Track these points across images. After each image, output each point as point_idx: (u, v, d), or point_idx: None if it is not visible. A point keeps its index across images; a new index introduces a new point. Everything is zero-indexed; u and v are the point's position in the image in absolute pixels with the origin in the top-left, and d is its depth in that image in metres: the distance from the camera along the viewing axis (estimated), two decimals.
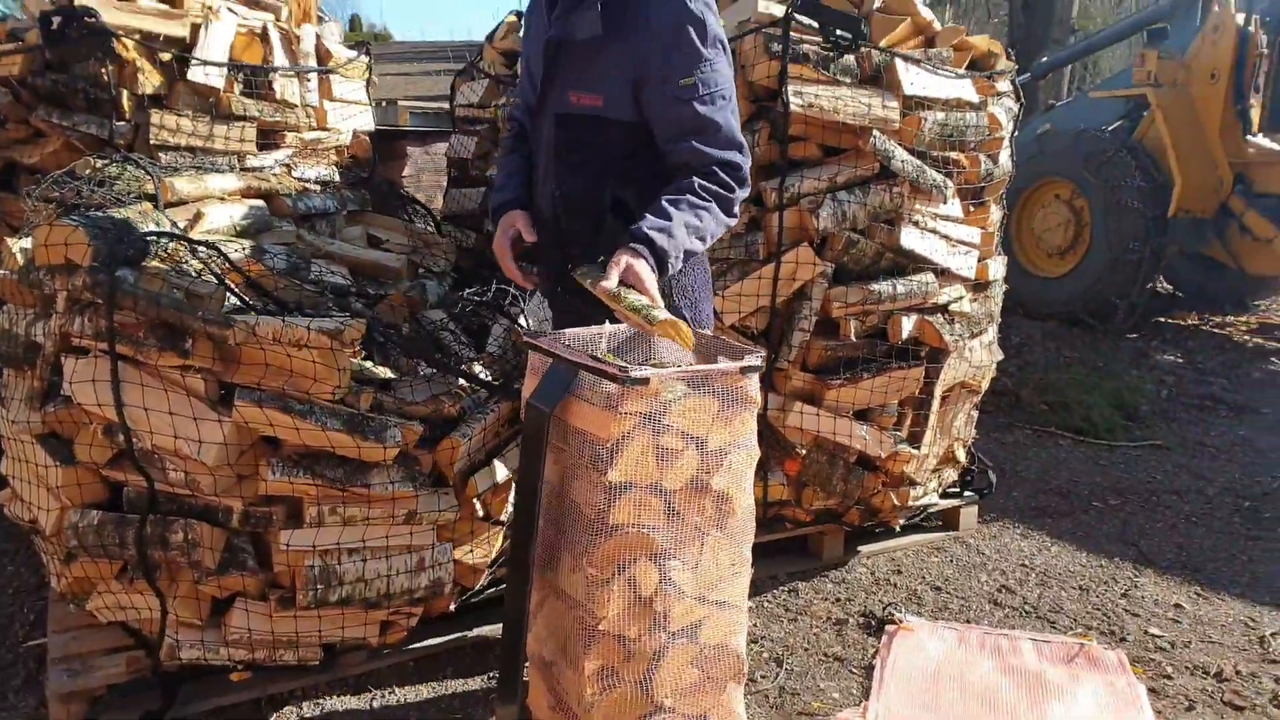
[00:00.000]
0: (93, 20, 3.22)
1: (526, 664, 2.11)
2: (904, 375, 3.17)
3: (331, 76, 3.85)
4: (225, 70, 3.45)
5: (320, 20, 4.16)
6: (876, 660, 2.85)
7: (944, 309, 3.31)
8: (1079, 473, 4.57)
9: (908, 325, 3.17)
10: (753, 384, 1.94)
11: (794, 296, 3.08)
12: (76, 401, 2.19)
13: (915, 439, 3.29)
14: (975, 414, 3.75)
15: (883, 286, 3.11)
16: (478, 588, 2.70)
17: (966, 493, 3.81)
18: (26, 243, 2.42)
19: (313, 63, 3.82)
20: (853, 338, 3.14)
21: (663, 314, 1.89)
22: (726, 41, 2.12)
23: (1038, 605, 3.25)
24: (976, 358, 3.44)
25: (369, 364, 2.49)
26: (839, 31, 3.01)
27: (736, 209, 2.15)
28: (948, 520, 3.77)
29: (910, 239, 3.14)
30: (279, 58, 3.64)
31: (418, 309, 2.90)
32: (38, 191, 2.63)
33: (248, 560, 2.32)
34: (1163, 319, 7.64)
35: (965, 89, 3.29)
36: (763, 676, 2.77)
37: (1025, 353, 6.53)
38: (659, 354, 2.16)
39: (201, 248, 2.39)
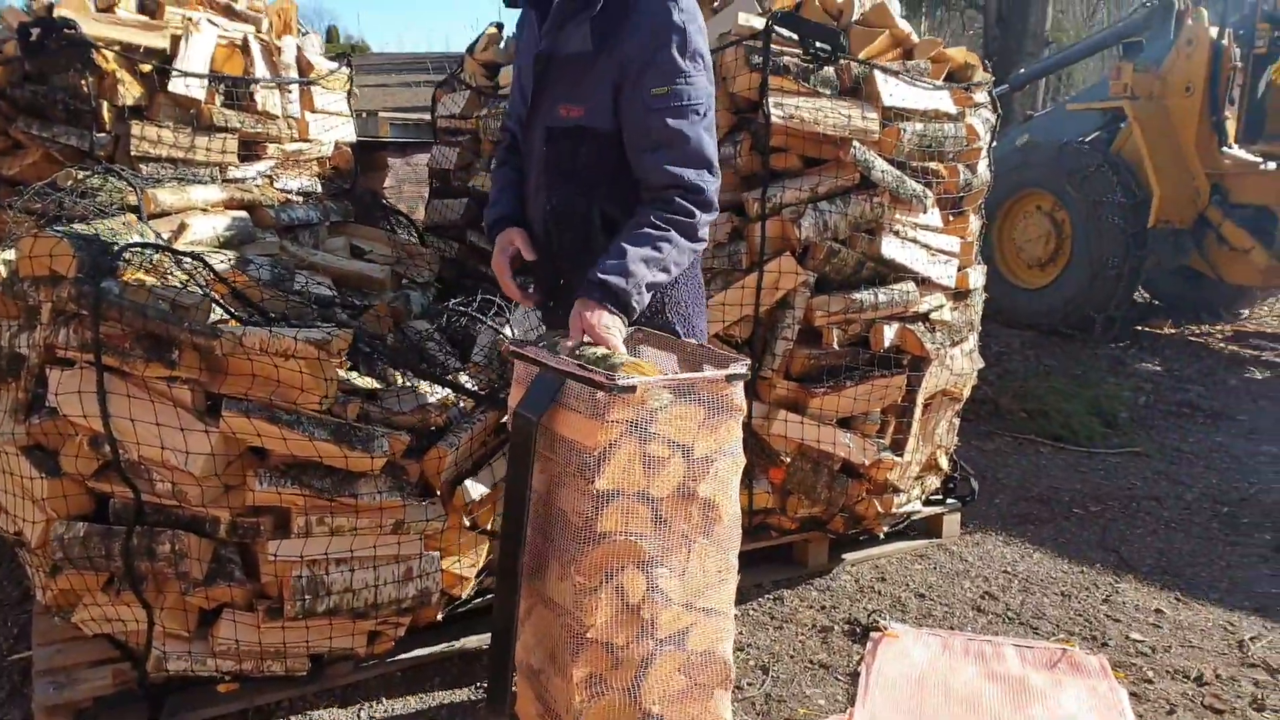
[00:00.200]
0: (72, 32, 3.21)
1: (515, 673, 2.11)
2: (886, 383, 3.20)
3: (313, 88, 3.86)
4: (206, 82, 3.45)
5: (301, 32, 4.15)
6: (862, 667, 2.87)
7: (925, 317, 3.34)
8: (1059, 479, 4.62)
9: (889, 334, 3.20)
10: (738, 392, 1.96)
11: (777, 305, 3.11)
12: (62, 413, 2.19)
13: (898, 447, 3.33)
14: (957, 422, 3.79)
15: (864, 295, 3.15)
16: (465, 597, 2.70)
17: (949, 500, 3.85)
18: (10, 254, 2.41)
19: (294, 74, 3.82)
20: (835, 346, 3.17)
21: (621, 358, 1.91)
22: (709, 56, 2.11)
23: (1020, 611, 3.28)
24: (958, 366, 3.48)
25: (355, 374, 2.49)
26: (818, 44, 3.04)
27: (702, 233, 2.11)
28: (931, 527, 3.81)
29: (891, 248, 3.18)
30: (260, 69, 3.64)
31: (402, 319, 2.91)
32: (19, 203, 2.62)
33: (235, 571, 2.32)
34: (1141, 327, 7.73)
35: (943, 100, 3.34)
36: (749, 684, 2.78)
37: (1005, 361, 6.61)
38: (651, 363, 2.17)
39: (186, 259, 2.39)
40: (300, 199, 3.55)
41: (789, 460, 3.18)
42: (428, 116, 4.78)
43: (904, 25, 3.39)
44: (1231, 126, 7.18)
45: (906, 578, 3.49)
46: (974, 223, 3.60)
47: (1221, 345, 7.47)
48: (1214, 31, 7.11)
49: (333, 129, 3.97)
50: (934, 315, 3.36)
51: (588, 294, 2.00)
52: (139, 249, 2.33)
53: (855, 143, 3.06)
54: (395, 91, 11.68)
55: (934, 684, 2.79)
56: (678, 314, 2.26)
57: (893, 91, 3.15)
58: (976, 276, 3.62)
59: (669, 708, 2.01)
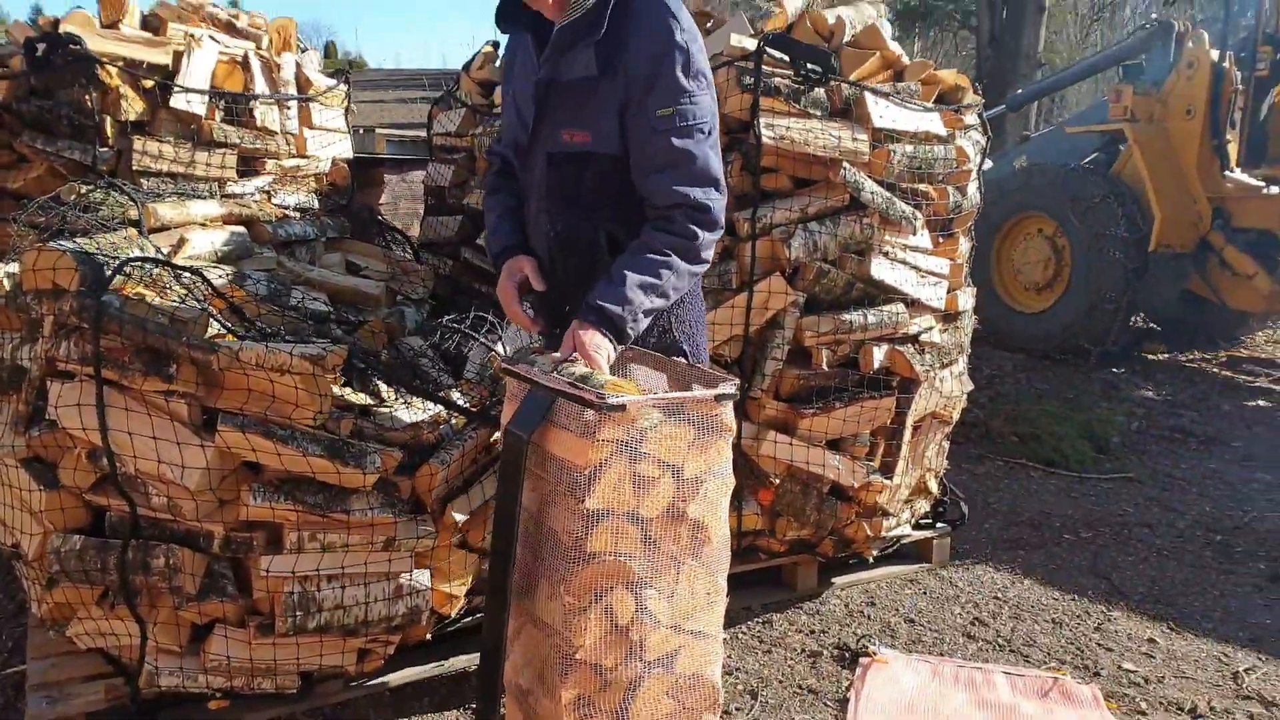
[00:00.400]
0: (77, 47, 3.25)
1: (503, 693, 2.12)
2: (876, 405, 3.22)
3: (311, 104, 3.90)
4: (206, 97, 3.49)
5: (300, 49, 4.20)
6: (851, 693, 2.87)
7: (914, 339, 3.37)
8: (1050, 505, 4.62)
9: (879, 355, 3.23)
10: (728, 412, 1.98)
11: (766, 325, 3.13)
12: (61, 426, 2.21)
13: (888, 469, 3.34)
14: (947, 445, 3.80)
15: (854, 316, 3.18)
16: (454, 616, 2.71)
17: (939, 524, 3.85)
18: (14, 267, 2.44)
19: (293, 90, 3.86)
20: (825, 367, 3.19)
21: (603, 377, 1.92)
22: (711, 75, 2.12)
23: (1011, 638, 3.27)
24: (947, 388, 3.51)
25: (349, 390, 2.52)
26: (810, 66, 3.08)
27: (705, 254, 2.11)
28: (921, 552, 3.80)
29: (880, 269, 3.21)
30: (259, 85, 3.68)
31: (396, 335, 2.93)
32: (24, 217, 2.65)
33: (228, 586, 2.33)
34: (1136, 353, 7.70)
35: (933, 122, 3.38)
36: (737, 709, 2.78)
37: (996, 384, 6.61)
38: (634, 381, 2.19)
39: (185, 273, 2.41)
40: (297, 215, 3.59)
41: (778, 482, 3.19)
42: (424, 133, 4.82)
43: (895, 47, 3.43)
44: (1233, 150, 7.14)
45: (896, 602, 3.49)
46: (964, 245, 3.64)
47: (1216, 370, 7.45)
48: (1215, 54, 7.09)
49: (330, 145, 4.00)
50: (924, 337, 3.39)
51: (584, 316, 2.01)
52: (139, 263, 2.35)
53: (845, 164, 3.09)
54: (392, 107, 11.75)
55: (923, 711, 2.79)
56: (683, 332, 2.28)
57: (883, 113, 3.19)
58: (966, 299, 3.65)
59: None
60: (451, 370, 2.88)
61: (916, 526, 3.78)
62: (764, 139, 2.99)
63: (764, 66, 3.02)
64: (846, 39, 3.35)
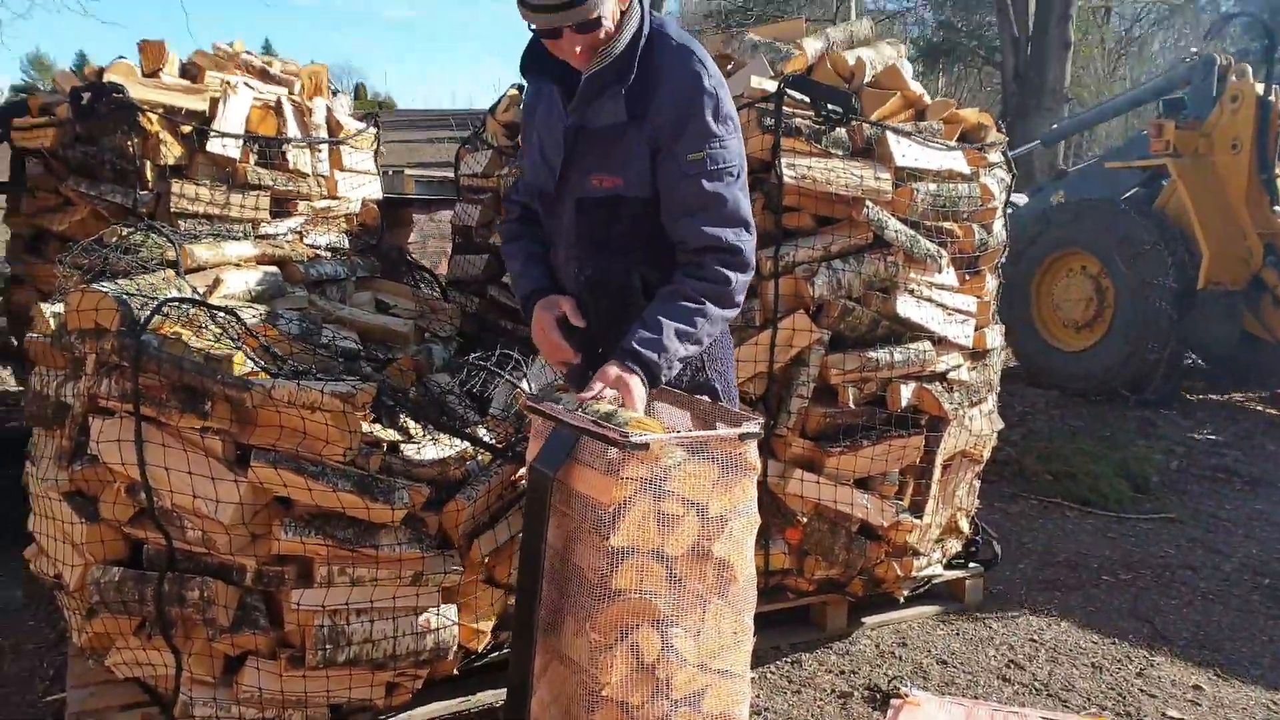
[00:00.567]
0: (120, 96, 3.37)
1: None
2: (904, 443, 3.21)
3: (342, 147, 4.00)
4: (241, 142, 3.59)
5: (332, 93, 4.31)
6: None
7: (942, 377, 3.36)
8: (1087, 545, 4.52)
9: (906, 393, 3.22)
10: (752, 450, 1.98)
11: (791, 363, 3.13)
12: (102, 461, 2.27)
13: (917, 508, 3.31)
14: (977, 483, 3.76)
15: (880, 354, 3.17)
16: (481, 651, 2.72)
17: (971, 564, 3.80)
18: (59, 308, 2.52)
19: (324, 134, 3.96)
20: (852, 405, 3.18)
21: (627, 415, 1.93)
22: (738, 119, 2.17)
23: (1048, 682, 3.20)
24: (977, 426, 3.48)
25: (378, 426, 2.56)
26: (830, 106, 3.12)
27: (738, 298, 2.14)
28: (953, 592, 3.75)
29: (906, 307, 3.21)
30: (292, 129, 3.78)
31: (424, 373, 2.98)
32: (69, 258, 2.74)
33: (260, 619, 2.37)
34: (1182, 394, 7.47)
35: (956, 160, 3.40)
36: None
37: (1029, 421, 6.51)
38: (659, 419, 2.21)
39: (220, 313, 2.48)
40: (329, 254, 3.67)
41: (805, 520, 3.17)
42: (451, 173, 4.91)
43: (916, 87, 3.46)
44: None
45: (928, 643, 3.44)
46: (990, 282, 3.63)
47: (1260, 409, 7.27)
48: (1259, 88, 6.99)
49: (360, 187, 4.10)
50: (951, 375, 3.37)
51: (620, 359, 2.03)
52: (177, 304, 2.42)
53: (868, 202, 3.11)
54: (420, 147, 11.94)
55: None
56: (716, 371, 2.29)
57: (905, 152, 3.22)
58: (994, 336, 3.63)
59: None
60: (478, 407, 2.92)
61: (948, 566, 3.73)
62: (785, 178, 3.01)
63: (785, 108, 3.05)
64: (867, 79, 3.39)
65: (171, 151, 3.48)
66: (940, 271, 3.33)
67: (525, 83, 2.32)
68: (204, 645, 2.36)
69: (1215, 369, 7.88)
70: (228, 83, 3.70)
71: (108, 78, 3.47)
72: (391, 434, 2.55)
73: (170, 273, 2.73)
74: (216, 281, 2.90)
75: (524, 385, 2.98)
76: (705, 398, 2.23)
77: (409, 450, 2.52)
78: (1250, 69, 7.25)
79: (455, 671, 2.66)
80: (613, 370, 2.02)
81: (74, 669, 2.57)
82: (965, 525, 3.71)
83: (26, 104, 3.85)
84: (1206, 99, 7.29)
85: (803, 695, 3.06)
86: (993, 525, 4.18)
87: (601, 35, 2.01)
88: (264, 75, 4.03)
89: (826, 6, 18.90)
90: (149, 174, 3.46)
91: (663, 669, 1.93)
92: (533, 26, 2.02)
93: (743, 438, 1.96)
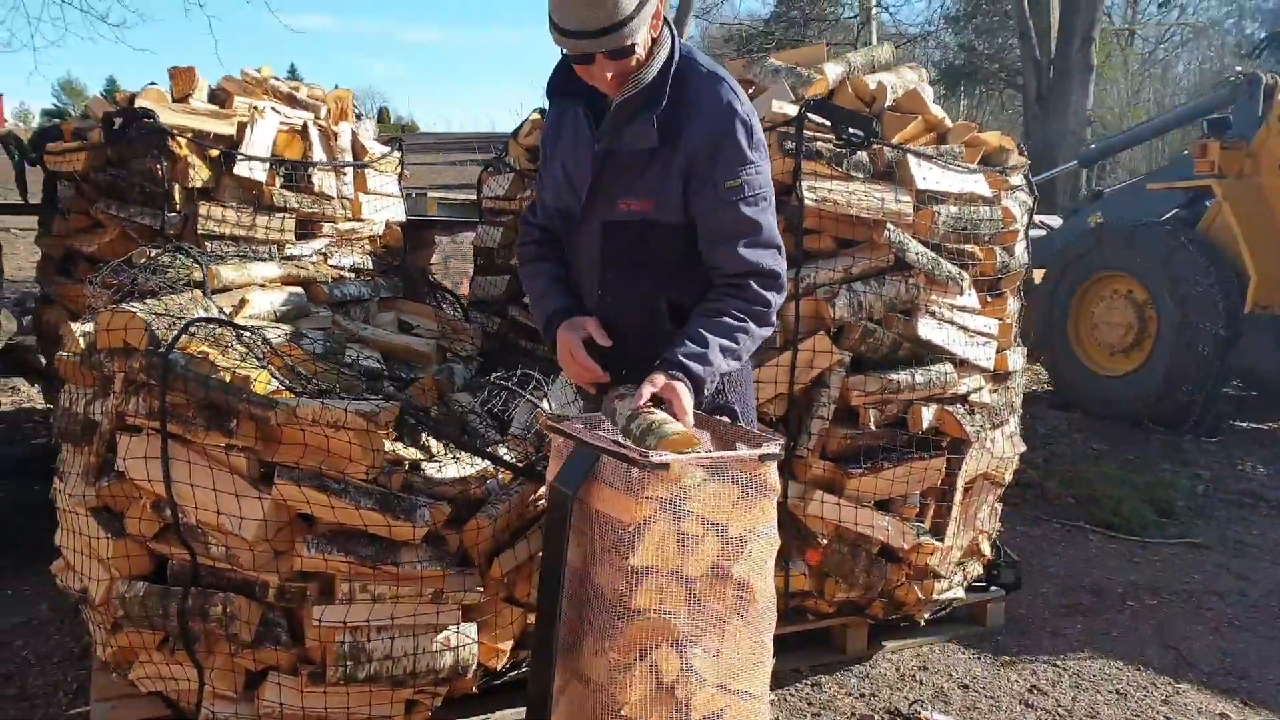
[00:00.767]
0: (151, 120, 3.44)
1: None
2: (925, 465, 3.19)
3: (366, 170, 4.05)
4: (267, 165, 3.64)
5: (356, 117, 4.37)
6: None
7: (964, 399, 3.34)
8: (1111, 570, 4.47)
9: (928, 415, 3.21)
10: (772, 471, 1.98)
11: (812, 384, 3.13)
12: (129, 477, 2.32)
13: (938, 531, 3.29)
14: (999, 506, 3.73)
15: (901, 376, 3.16)
16: (501, 669, 2.72)
17: (993, 588, 3.77)
18: (89, 327, 2.56)
19: (349, 158, 4.02)
20: (873, 427, 3.17)
21: (674, 428, 1.92)
22: (766, 144, 2.18)
23: (1072, 709, 3.16)
24: (998, 449, 3.46)
25: (400, 445, 2.58)
26: (851, 130, 3.14)
27: (773, 317, 2.17)
28: (974, 616, 3.72)
29: (927, 329, 3.21)
30: (317, 153, 3.84)
31: (445, 392, 3.01)
32: (98, 279, 2.80)
33: (281, 635, 2.39)
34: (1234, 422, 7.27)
35: (978, 184, 3.40)
36: None
37: (1051, 444, 6.44)
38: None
39: (246, 333, 2.52)
40: (352, 275, 3.71)
41: (826, 542, 3.15)
42: (473, 194, 4.96)
43: (937, 110, 3.47)
44: None
45: (949, 667, 3.41)
46: (1012, 304, 3.62)
47: None
48: None
49: (384, 209, 4.14)
50: (973, 397, 3.35)
51: (668, 371, 2.03)
52: (203, 323, 2.46)
53: (889, 224, 3.12)
54: (442, 170, 12.10)
55: None
56: (735, 392, 2.30)
57: (926, 175, 3.22)
58: (1016, 359, 3.61)
59: None
60: (499, 426, 2.94)
61: (970, 589, 3.69)
62: (807, 201, 3.03)
63: (806, 131, 3.07)
64: (888, 103, 3.41)
65: (199, 174, 3.54)
66: (962, 294, 3.32)
67: (547, 105, 2.34)
68: (226, 660, 2.39)
69: (1261, 396, 7.68)
70: (255, 108, 3.76)
71: (139, 103, 3.54)
72: (413, 452, 2.57)
73: (197, 293, 2.78)
74: (242, 302, 2.95)
75: (544, 404, 3.00)
76: (725, 418, 2.23)
77: (430, 469, 2.54)
78: None
79: (475, 690, 2.66)
80: (661, 378, 2.02)
81: (98, 683, 2.60)
82: (987, 548, 3.68)
83: (60, 129, 3.94)
84: (1252, 118, 7.11)
85: (822, 718, 3.04)
86: (1014, 548, 4.14)
87: (633, 62, 2.02)
88: (290, 100, 4.10)
89: (848, 31, 18.99)
90: (177, 196, 3.51)
91: (682, 689, 1.93)
92: (565, 51, 2.03)
93: (763, 459, 1.97)
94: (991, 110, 22.36)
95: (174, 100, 3.74)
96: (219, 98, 3.91)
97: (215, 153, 3.58)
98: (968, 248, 3.36)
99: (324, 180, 3.82)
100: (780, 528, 2.07)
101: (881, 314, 3.18)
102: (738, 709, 2.01)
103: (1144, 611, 4.01)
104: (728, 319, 2.11)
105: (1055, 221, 8.60)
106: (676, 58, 2.09)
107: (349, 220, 3.95)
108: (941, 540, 3.27)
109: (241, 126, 3.65)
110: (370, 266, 3.89)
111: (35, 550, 3.38)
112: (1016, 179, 3.61)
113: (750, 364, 2.42)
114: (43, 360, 4.60)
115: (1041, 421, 6.80)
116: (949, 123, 3.51)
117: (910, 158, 3.21)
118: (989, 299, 3.46)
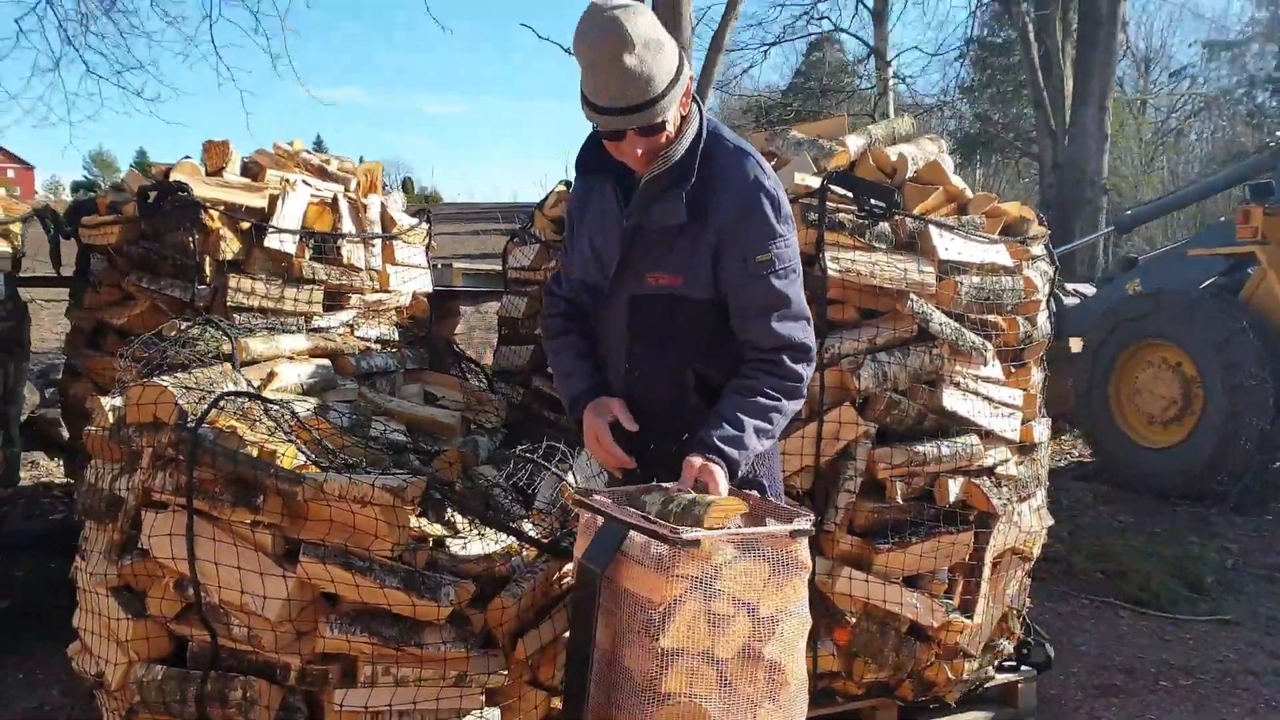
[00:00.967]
0: (184, 194, 3.51)
1: None
2: (953, 540, 3.14)
3: (395, 241, 4.11)
4: (298, 237, 3.70)
5: (385, 190, 4.45)
6: None
7: (990, 471, 3.30)
8: (1143, 648, 4.35)
9: (955, 488, 3.16)
10: (803, 548, 1.96)
11: (838, 456, 3.10)
12: (153, 555, 2.29)
13: (968, 608, 3.22)
14: (1028, 582, 3.66)
15: (927, 448, 3.13)
16: None
17: (1023, 667, 3.66)
18: (119, 401, 2.58)
19: (378, 229, 4.08)
20: (899, 500, 3.13)
21: (712, 496, 1.93)
22: (792, 217, 2.20)
23: None
24: (1026, 523, 3.40)
25: (424, 520, 2.56)
26: (873, 201, 3.16)
27: (804, 390, 2.19)
28: (1005, 697, 3.61)
29: (952, 400, 3.18)
30: (347, 225, 3.89)
31: (470, 465, 2.99)
32: (129, 352, 2.82)
33: (301, 719, 2.33)
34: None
35: (999, 254, 3.40)
36: None
37: (1076, 517, 6.32)
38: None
39: (274, 406, 2.52)
40: (379, 347, 3.74)
41: (854, 620, 3.09)
42: (498, 265, 5.01)
43: (958, 181, 3.50)
44: None
45: None
46: (1036, 375, 3.60)
47: None
48: None
49: (411, 280, 4.19)
50: (999, 469, 3.31)
51: (704, 452, 2.04)
52: (233, 397, 2.47)
53: (912, 295, 3.12)
54: (465, 239, 12.26)
55: None
56: (764, 465, 2.29)
57: (948, 246, 3.24)
58: (1041, 430, 3.57)
59: None
60: (523, 500, 2.92)
61: (1000, 669, 3.59)
62: (830, 271, 3.04)
63: (828, 203, 3.09)
64: (909, 174, 3.44)
65: (230, 247, 3.59)
66: (985, 364, 3.31)
67: (574, 179, 2.36)
68: None
69: None
70: (287, 180, 3.83)
71: (174, 176, 3.61)
72: (438, 529, 2.55)
73: (227, 366, 2.80)
74: (271, 375, 2.96)
75: (569, 477, 2.98)
76: (754, 492, 2.21)
77: (455, 545, 2.51)
78: None
79: None
80: (697, 460, 2.03)
81: None
82: (1016, 625, 3.59)
83: (95, 202, 4.03)
84: None
85: None
86: (1043, 625, 4.04)
87: (664, 139, 2.05)
88: (321, 173, 4.18)
89: (865, 102, 19.27)
90: (208, 269, 3.57)
91: None
92: (596, 126, 2.07)
93: (794, 534, 1.94)
94: (1007, 179, 22.53)
95: (208, 173, 3.82)
96: (252, 170, 3.99)
97: (246, 225, 3.64)
98: (990, 318, 3.35)
99: (353, 252, 3.87)
100: (809, 606, 2.03)
101: (906, 385, 3.16)
102: None
103: (1178, 692, 3.89)
104: (761, 398, 2.11)
105: (1089, 290, 8.56)
106: (704, 134, 2.13)
107: (376, 291, 4.00)
108: (971, 617, 3.20)
109: (273, 199, 3.72)
110: (396, 338, 3.91)
111: (51, 630, 3.33)
112: (1038, 249, 3.62)
113: (779, 443, 2.40)
114: (66, 434, 4.63)
115: (1066, 493, 6.69)
116: (969, 193, 3.54)
117: (932, 228, 3.23)
118: (1012, 369, 3.44)
